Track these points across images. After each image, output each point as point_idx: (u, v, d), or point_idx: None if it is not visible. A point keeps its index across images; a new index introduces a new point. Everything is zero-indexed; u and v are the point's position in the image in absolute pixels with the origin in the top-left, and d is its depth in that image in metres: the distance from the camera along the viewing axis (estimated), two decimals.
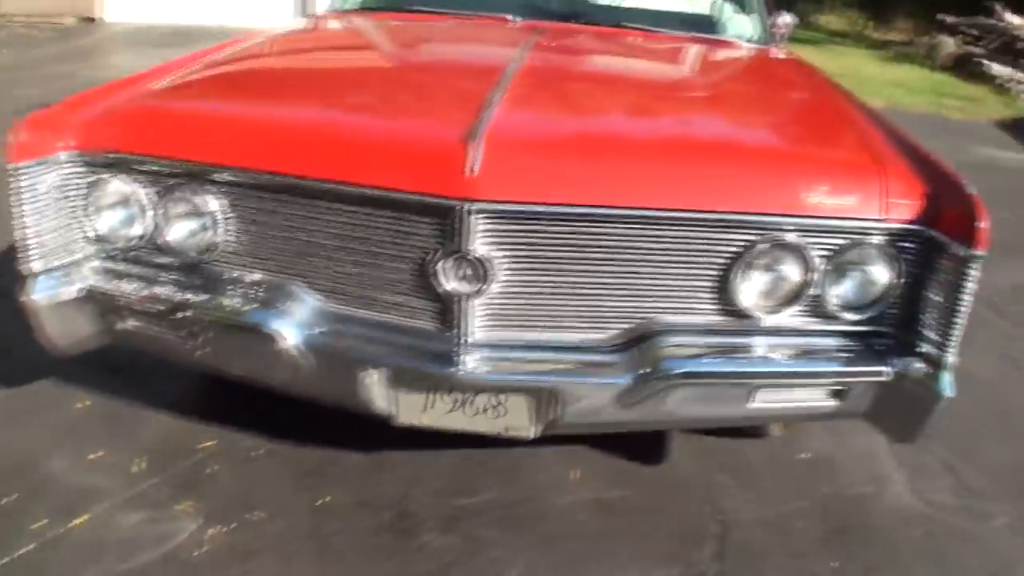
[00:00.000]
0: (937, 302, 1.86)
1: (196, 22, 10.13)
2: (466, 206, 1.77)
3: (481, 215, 1.78)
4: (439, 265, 1.84)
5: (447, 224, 1.80)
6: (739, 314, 1.91)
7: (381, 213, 1.85)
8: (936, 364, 1.86)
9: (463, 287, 1.86)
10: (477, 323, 1.90)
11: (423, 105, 2.15)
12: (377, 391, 1.98)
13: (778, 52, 3.36)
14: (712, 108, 2.51)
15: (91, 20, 10.42)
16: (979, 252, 1.76)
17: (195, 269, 2.03)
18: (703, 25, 3.42)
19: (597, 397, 1.91)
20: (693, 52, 3.15)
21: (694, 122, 2.29)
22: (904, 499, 2.51)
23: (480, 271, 1.83)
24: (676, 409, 1.93)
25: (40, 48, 8.67)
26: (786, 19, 3.59)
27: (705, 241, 1.84)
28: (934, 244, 1.84)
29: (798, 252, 1.85)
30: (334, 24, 3.37)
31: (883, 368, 1.91)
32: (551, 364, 1.90)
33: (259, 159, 1.89)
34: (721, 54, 3.22)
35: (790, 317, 1.93)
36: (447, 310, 1.90)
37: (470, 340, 1.91)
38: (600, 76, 2.81)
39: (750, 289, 1.89)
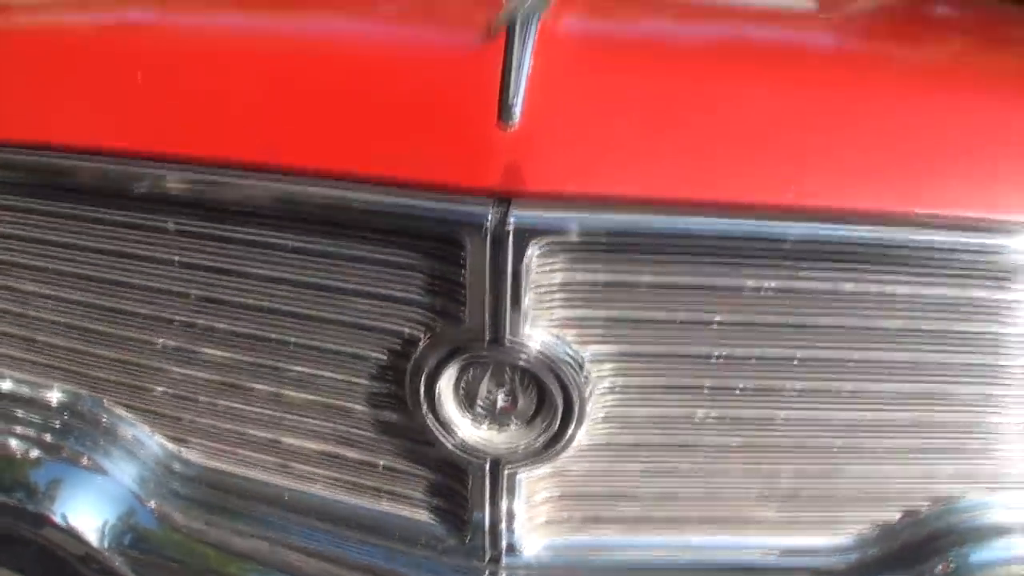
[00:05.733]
0: None
1: None
2: (508, 214, 0.67)
3: (540, 239, 0.66)
4: (444, 377, 0.72)
5: (462, 262, 0.68)
6: None
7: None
8: None
9: (503, 436, 0.73)
10: (536, 518, 0.78)
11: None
12: None
13: None
14: None
15: None
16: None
17: None
18: None
19: None
20: None
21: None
22: None
23: (558, 387, 0.71)
24: None
25: None
26: None
27: None
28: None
29: None
30: None
31: None
32: None
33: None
34: None
35: None
36: (463, 490, 0.77)
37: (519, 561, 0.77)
38: None
39: None
